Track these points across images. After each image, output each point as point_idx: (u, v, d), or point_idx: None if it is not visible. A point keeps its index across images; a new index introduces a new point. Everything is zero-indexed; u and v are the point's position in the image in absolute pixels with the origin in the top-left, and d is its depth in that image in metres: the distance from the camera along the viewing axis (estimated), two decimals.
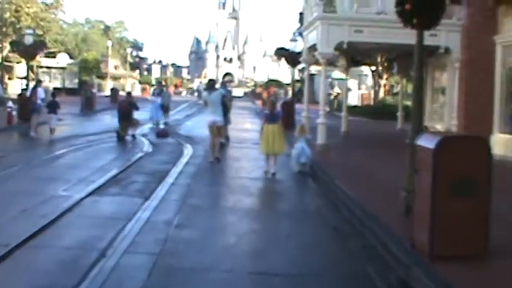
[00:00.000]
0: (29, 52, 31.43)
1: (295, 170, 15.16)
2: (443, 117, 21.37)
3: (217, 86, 20.52)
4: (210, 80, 18.93)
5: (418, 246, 7.42)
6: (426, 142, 7.39)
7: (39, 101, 23.42)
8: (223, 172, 15.61)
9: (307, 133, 16.83)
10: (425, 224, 7.22)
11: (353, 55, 26.88)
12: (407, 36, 19.75)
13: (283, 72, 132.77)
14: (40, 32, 48.04)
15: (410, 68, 33.04)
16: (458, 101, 19.86)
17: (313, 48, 21.90)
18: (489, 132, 18.55)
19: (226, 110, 18.78)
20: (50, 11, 53.52)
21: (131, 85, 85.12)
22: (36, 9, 49.55)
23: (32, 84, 29.04)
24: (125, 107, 22.50)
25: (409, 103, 32.67)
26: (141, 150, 18.93)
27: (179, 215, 9.70)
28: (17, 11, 47.43)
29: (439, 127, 21.65)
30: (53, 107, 21.92)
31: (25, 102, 24.71)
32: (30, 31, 32.43)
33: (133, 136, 22.25)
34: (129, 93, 24.85)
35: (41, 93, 24.24)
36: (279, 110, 16.87)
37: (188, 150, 19.15)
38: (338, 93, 48.86)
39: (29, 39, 31.19)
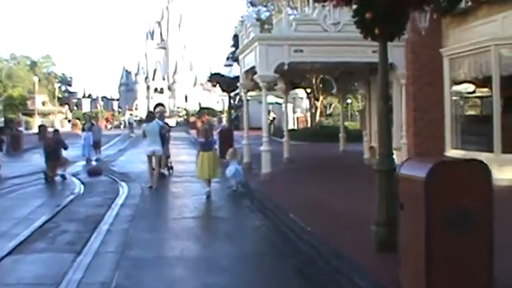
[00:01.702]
0: None
1: (232, 188, 16.73)
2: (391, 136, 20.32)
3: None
4: (149, 112, 20.04)
5: None
6: (413, 170, 6.15)
7: None
8: (164, 212, 14.10)
9: (238, 157, 18.16)
10: (418, 269, 5.96)
11: (292, 77, 25.85)
12: (350, 54, 19.10)
13: (215, 100, 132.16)
14: None
15: (350, 87, 32.49)
16: (407, 119, 18.97)
17: (251, 71, 20.73)
18: (441, 149, 17.72)
19: (164, 140, 18.99)
20: None
21: (60, 121, 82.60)
22: None
23: None
24: (52, 146, 20.74)
25: (346, 124, 32.08)
26: (71, 192, 17.22)
27: (118, 273, 8.16)
28: None
29: None
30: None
31: None
32: None
33: (63, 176, 20.51)
34: (55, 131, 23.04)
35: None
36: (213, 138, 17.69)
37: (123, 189, 17.60)
38: (274, 118, 47.88)
39: None
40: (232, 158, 17.35)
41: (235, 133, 29.09)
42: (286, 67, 18.11)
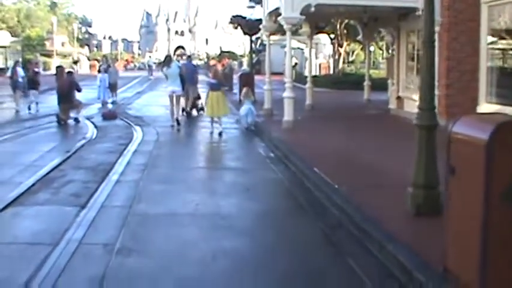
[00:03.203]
0: None
1: (244, 127, 18.06)
2: None
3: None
4: (167, 56, 20.19)
5: (456, 274, 5.23)
6: (471, 129, 5.14)
7: (20, 79, 25.34)
8: (180, 160, 13.18)
9: (251, 97, 19.34)
10: (470, 247, 5.01)
11: (317, 21, 24.69)
12: None
13: (236, 44, 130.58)
14: None
15: (376, 33, 31.16)
16: (439, 69, 17.75)
17: (274, 13, 19.62)
18: (474, 102, 16.67)
19: (183, 81, 19.52)
20: None
21: (79, 62, 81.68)
22: None
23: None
24: (65, 88, 19.85)
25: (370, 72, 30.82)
26: (83, 137, 16.43)
27: (123, 232, 7.32)
28: None
29: (415, 97, 19.51)
30: (33, 83, 24.54)
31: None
32: None
33: (76, 120, 19.70)
34: (69, 72, 22.11)
35: (20, 71, 25.95)
36: (220, 79, 19.03)
37: (138, 134, 16.81)
38: (296, 64, 46.67)
39: None
40: (246, 98, 18.71)
41: (257, 78, 28.16)
42: (312, 9, 16.96)
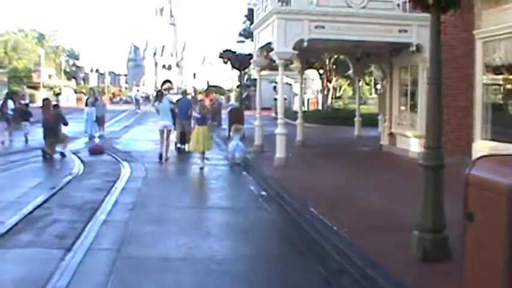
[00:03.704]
0: None
1: (230, 162, 18.05)
2: (415, 123, 18.98)
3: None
4: (159, 91, 20.71)
5: None
6: (492, 173, 4.76)
7: (9, 111, 25.13)
8: (169, 199, 12.69)
9: (241, 133, 19.15)
10: None
11: (308, 56, 24.48)
12: (374, 33, 17.63)
13: (223, 78, 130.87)
14: None
15: (366, 69, 31.00)
16: None
17: (266, 48, 19.37)
18: (469, 139, 16.40)
19: (174, 116, 19.96)
20: None
21: (66, 95, 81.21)
22: None
23: None
24: (51, 121, 19.39)
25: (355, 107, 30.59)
26: (69, 173, 15.92)
27: (112, 279, 6.82)
28: None
29: (409, 134, 19.26)
30: (25, 115, 25.18)
31: None
32: None
33: (62, 154, 19.20)
34: (55, 105, 21.64)
35: (10, 104, 25.74)
36: (207, 114, 18.98)
37: (125, 170, 16.33)
38: (285, 99, 46.40)
39: None
40: (235, 133, 18.81)
41: (246, 113, 27.84)
42: (305, 44, 16.72)
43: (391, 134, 21.11)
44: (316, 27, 16.82)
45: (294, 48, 16.87)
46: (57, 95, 63.79)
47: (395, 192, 12.26)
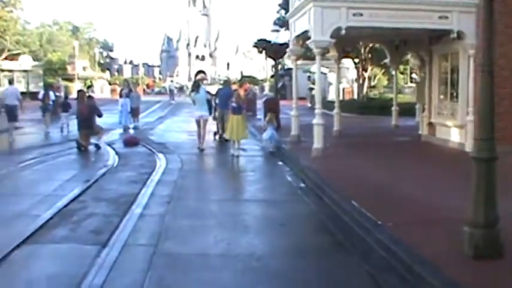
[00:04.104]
0: None
1: (264, 150, 18.60)
2: (456, 112, 18.45)
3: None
4: (195, 82, 20.24)
5: None
6: None
7: (50, 102, 26.94)
8: (206, 191, 12.47)
9: (274, 122, 19.68)
10: None
11: (344, 45, 24.03)
12: (413, 20, 17.11)
13: (256, 68, 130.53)
14: None
15: (404, 57, 30.43)
16: (474, 94, 17.04)
17: (302, 37, 19.01)
18: None
19: (211, 106, 20.52)
20: (7, 9, 49.68)
21: (100, 87, 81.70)
22: None
23: None
24: (85, 113, 19.26)
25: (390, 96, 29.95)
26: (104, 165, 15.77)
27: (149, 276, 6.56)
28: None
29: (450, 124, 18.75)
30: (65, 106, 26.10)
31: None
32: None
33: (97, 146, 19.07)
34: (89, 97, 21.51)
35: (51, 95, 27.75)
36: (243, 104, 18.91)
37: (161, 162, 16.12)
38: None
39: None
40: (269, 123, 19.21)
41: (281, 103, 27.54)
42: (343, 32, 16.30)
43: (430, 124, 20.58)
44: (354, 14, 16.37)
45: (331, 37, 16.45)
46: (89, 87, 64.01)
47: (439, 184, 11.85)
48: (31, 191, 11.87)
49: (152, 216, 9.65)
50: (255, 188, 12.90)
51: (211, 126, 22.02)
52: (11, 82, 26.20)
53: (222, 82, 24.91)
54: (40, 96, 28.30)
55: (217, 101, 21.58)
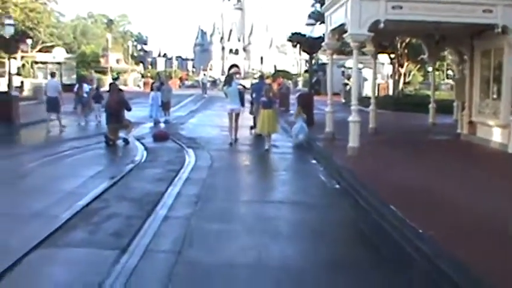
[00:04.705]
0: (10, 45, 27.74)
1: (294, 143, 18.72)
2: (498, 111, 17.59)
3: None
4: (228, 75, 20.89)
5: None
6: None
7: (84, 94, 27.41)
8: (235, 192, 11.86)
9: (303, 116, 19.50)
10: None
11: (381, 40, 23.25)
12: (455, 13, 16.27)
13: (290, 63, 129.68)
14: (30, 25, 44.21)
15: (442, 53, 29.53)
16: None
17: (338, 30, 18.28)
18: None
19: (243, 99, 20.18)
20: (40, 1, 49.64)
21: (134, 79, 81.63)
22: (25, 0, 45.57)
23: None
24: (113, 106, 18.75)
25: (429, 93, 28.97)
26: (131, 161, 15.26)
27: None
28: (4, 1, 43.44)
29: (492, 123, 17.91)
30: (98, 98, 26.73)
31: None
32: (10, 21, 28.18)
33: (125, 140, 18.55)
34: (119, 90, 20.96)
35: (85, 87, 27.97)
36: (274, 98, 19.30)
37: (190, 158, 15.55)
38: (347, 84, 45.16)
39: (9, 30, 27.37)
40: (298, 116, 19.41)
41: (315, 98, 26.83)
42: (381, 25, 15.56)
43: (470, 123, 19.71)
44: (393, 7, 15.61)
45: (368, 30, 15.74)
46: (115, 79, 63.82)
47: (483, 188, 11.13)
48: (53, 188, 11.38)
49: (177, 218, 9.05)
50: (287, 189, 12.24)
51: (248, 121, 21.83)
52: (52, 75, 25.82)
53: (256, 77, 24.40)
54: (75, 89, 29.07)
55: (253, 96, 21.21)
